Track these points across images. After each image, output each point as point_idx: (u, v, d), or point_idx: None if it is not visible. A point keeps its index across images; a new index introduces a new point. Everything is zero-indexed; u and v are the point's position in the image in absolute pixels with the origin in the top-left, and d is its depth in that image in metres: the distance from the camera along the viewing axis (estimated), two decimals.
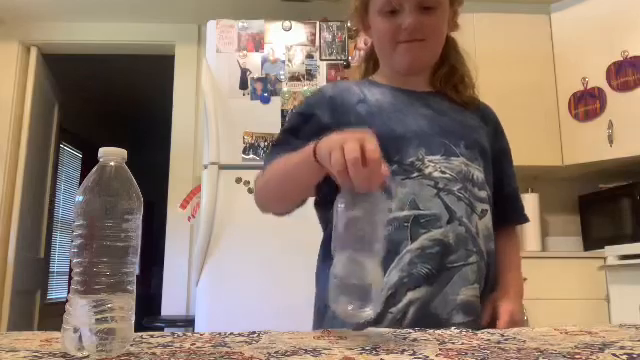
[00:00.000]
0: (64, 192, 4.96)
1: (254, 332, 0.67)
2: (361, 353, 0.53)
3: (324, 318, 0.95)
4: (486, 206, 0.97)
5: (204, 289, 2.32)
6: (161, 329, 2.58)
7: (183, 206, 2.93)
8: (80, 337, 0.51)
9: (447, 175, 0.93)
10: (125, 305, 0.54)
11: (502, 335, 0.65)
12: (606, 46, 2.78)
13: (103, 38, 3.38)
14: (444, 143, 0.95)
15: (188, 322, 2.67)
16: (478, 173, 0.97)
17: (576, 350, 0.52)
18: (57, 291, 4.82)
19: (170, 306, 2.99)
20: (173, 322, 2.75)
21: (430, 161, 0.93)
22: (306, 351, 0.54)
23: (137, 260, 0.57)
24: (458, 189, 0.92)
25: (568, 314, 2.38)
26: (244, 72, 2.50)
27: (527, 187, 2.96)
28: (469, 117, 1.05)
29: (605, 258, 2.45)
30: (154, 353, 0.53)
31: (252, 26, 2.56)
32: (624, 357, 0.48)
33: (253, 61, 2.52)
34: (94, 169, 0.57)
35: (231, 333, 0.67)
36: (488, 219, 0.97)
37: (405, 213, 0.89)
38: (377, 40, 1.04)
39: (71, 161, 5.18)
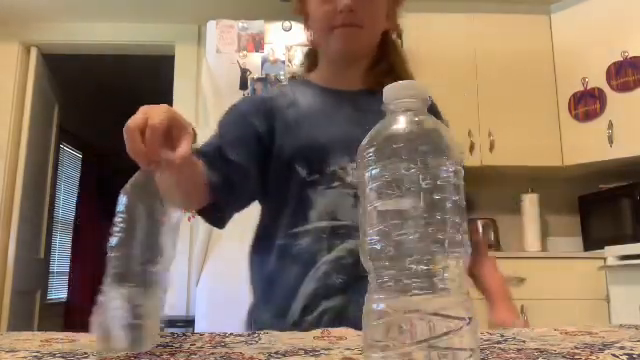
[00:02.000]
0: (64, 192, 4.96)
1: (254, 333, 0.67)
2: (361, 353, 0.53)
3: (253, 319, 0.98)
4: None
5: (204, 289, 2.32)
6: (161, 329, 2.58)
7: None
8: (110, 330, 0.52)
9: None
10: (154, 301, 0.55)
11: (502, 335, 0.65)
12: (606, 46, 2.78)
13: (103, 38, 3.38)
14: None
15: (188, 322, 2.67)
16: None
17: (576, 350, 0.52)
18: (57, 291, 4.82)
19: (170, 306, 2.99)
20: (173, 322, 2.75)
21: (353, 169, 0.92)
22: (306, 351, 0.54)
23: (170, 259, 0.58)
24: None
25: (568, 314, 2.38)
26: (244, 72, 2.50)
27: (527, 187, 2.96)
28: None
29: (605, 258, 2.45)
30: (154, 353, 0.53)
31: (252, 26, 2.56)
32: (624, 357, 0.48)
33: (253, 61, 2.52)
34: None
35: (231, 333, 0.67)
36: None
37: (323, 224, 0.90)
38: (314, 26, 1.02)
39: (71, 161, 5.18)
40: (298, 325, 0.87)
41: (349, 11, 0.93)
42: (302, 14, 1.06)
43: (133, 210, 0.55)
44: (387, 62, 1.04)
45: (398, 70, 1.04)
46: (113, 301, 0.53)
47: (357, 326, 0.83)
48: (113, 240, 0.55)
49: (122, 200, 0.56)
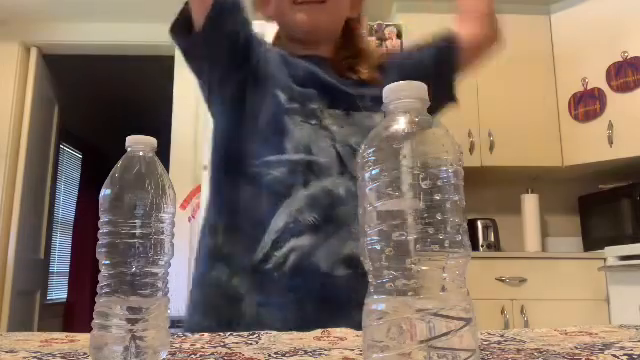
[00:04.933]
0: (64, 192, 4.96)
1: (254, 333, 0.67)
2: (361, 353, 0.53)
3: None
4: None
5: None
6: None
7: (183, 206, 2.93)
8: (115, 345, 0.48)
9: (344, 130, 0.90)
10: (157, 310, 0.51)
11: (502, 336, 0.65)
12: (606, 47, 2.78)
13: (103, 38, 3.39)
14: (348, 96, 0.93)
15: None
16: None
17: (576, 351, 0.52)
18: (57, 291, 4.83)
19: (170, 306, 2.99)
20: (173, 322, 2.75)
21: (330, 115, 0.91)
22: (306, 352, 0.54)
23: (169, 260, 0.53)
24: (355, 142, 0.89)
25: (568, 315, 2.38)
26: None
27: (527, 188, 2.96)
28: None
29: (605, 259, 2.45)
30: None
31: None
32: (624, 358, 0.48)
33: None
34: (121, 160, 0.52)
35: (231, 334, 0.67)
36: None
37: (299, 156, 0.86)
38: (276, 5, 0.99)
39: (71, 162, 5.18)
40: (266, 261, 0.83)
41: None
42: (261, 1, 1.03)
43: (118, 206, 0.50)
44: (353, 49, 1.01)
45: (366, 57, 1.01)
46: (111, 313, 0.48)
47: (321, 271, 0.82)
48: (101, 245, 0.50)
49: (105, 195, 0.50)
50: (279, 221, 0.84)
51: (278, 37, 1.07)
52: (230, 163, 0.94)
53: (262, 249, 0.84)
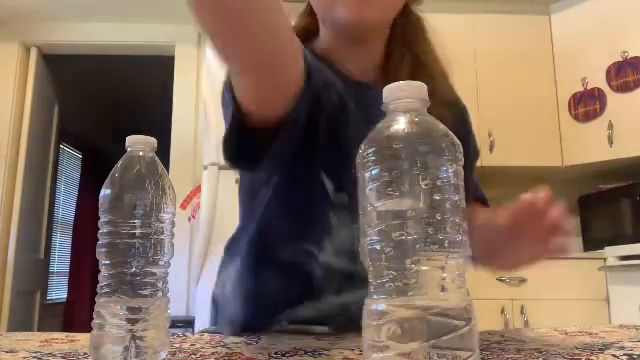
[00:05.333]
0: (64, 192, 4.96)
1: (254, 333, 0.67)
2: (361, 353, 0.53)
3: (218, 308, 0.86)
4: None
5: (204, 290, 2.32)
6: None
7: (183, 207, 2.93)
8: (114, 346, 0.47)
9: None
10: (157, 310, 0.50)
11: (502, 336, 0.65)
12: (606, 47, 2.78)
13: (103, 38, 3.39)
14: None
15: (188, 323, 2.67)
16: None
17: (576, 351, 0.52)
18: (57, 291, 4.83)
19: (170, 306, 2.99)
20: (173, 322, 2.75)
21: None
22: (306, 352, 0.54)
23: (168, 260, 0.52)
24: None
25: (568, 315, 2.38)
26: None
27: (527, 187, 2.96)
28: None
29: (605, 259, 2.45)
30: None
31: None
32: (624, 358, 0.48)
33: None
34: (121, 160, 0.52)
35: None
36: None
37: (340, 264, 0.74)
38: None
39: (71, 162, 5.18)
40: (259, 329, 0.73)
41: None
42: None
43: (119, 206, 0.50)
44: (412, 54, 0.85)
45: (430, 66, 0.84)
46: (110, 314, 0.48)
47: None
48: (101, 245, 0.50)
49: (105, 195, 0.50)
50: (304, 311, 0.75)
51: (310, 19, 0.89)
52: (260, 242, 0.80)
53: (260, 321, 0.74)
